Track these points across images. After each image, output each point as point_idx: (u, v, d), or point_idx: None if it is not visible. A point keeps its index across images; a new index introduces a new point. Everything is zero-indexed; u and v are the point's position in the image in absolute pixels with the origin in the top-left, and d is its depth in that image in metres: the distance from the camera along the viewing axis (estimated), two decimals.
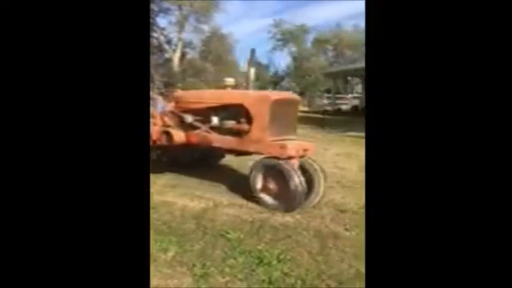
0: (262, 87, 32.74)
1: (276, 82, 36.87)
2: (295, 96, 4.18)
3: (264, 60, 40.49)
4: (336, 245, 2.69)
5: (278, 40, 36.78)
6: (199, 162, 5.16)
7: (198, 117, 4.25)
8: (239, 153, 4.12)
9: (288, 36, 35.53)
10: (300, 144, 3.59)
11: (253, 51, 4.96)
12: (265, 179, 3.56)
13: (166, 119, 4.60)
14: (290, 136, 3.78)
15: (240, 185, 4.08)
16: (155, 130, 4.47)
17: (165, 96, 4.95)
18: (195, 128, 4.29)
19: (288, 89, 31.07)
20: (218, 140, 4.02)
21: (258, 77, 39.79)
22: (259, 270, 2.24)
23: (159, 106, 4.69)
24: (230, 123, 3.98)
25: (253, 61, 4.61)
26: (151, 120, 4.45)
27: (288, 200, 3.32)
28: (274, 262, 2.35)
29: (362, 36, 32.26)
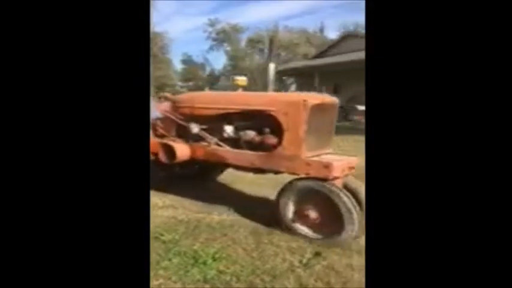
0: (198, 87, 32.41)
1: (212, 82, 36.72)
2: (335, 98, 3.13)
3: (199, 60, 40.14)
4: (270, 240, 2.75)
5: (214, 40, 36.71)
6: (194, 178, 4.40)
7: (204, 126, 3.43)
8: (259, 171, 3.25)
9: (222, 36, 35.55)
10: (347, 162, 2.85)
11: (272, 40, 4.26)
12: (300, 205, 2.83)
13: (160, 128, 3.81)
14: (327, 149, 3.10)
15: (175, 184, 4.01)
16: (151, 144, 3.58)
17: (158, 99, 4.11)
18: (198, 139, 3.47)
19: (225, 89, 31.06)
20: (234, 156, 3.20)
21: (193, 76, 39.36)
22: (194, 270, 2.23)
23: (151, 112, 3.89)
24: (250, 135, 3.16)
25: (272, 54, 3.81)
26: None
27: (339, 230, 2.63)
28: (210, 261, 2.35)
29: (295, 37, 33.26)
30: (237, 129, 3.28)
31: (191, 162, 3.57)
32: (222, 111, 3.31)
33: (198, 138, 3.46)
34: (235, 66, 34.55)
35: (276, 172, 3.08)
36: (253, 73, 30.70)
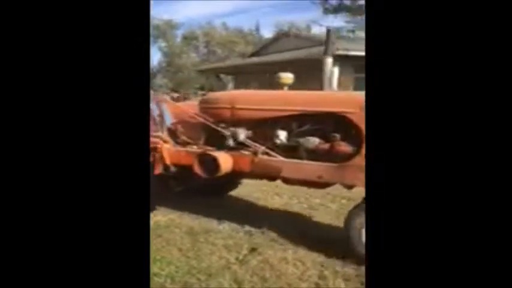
0: None
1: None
2: None
3: None
4: (206, 239, 2.74)
5: None
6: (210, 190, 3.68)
7: (247, 132, 2.87)
8: (320, 185, 2.78)
9: (156, 32, 34.58)
10: None
11: (329, 32, 3.33)
12: None
13: (182, 133, 3.16)
14: None
15: None
16: (174, 153, 2.96)
17: (175, 100, 3.49)
18: (235, 148, 2.85)
19: (161, 86, 30.27)
20: (292, 168, 2.63)
21: None
22: None
23: (166, 116, 3.21)
24: (313, 142, 2.62)
25: (329, 48, 3.20)
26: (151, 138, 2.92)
27: None
28: None
29: (231, 34, 33.31)
30: (293, 135, 2.71)
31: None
32: (274, 114, 2.74)
33: (235, 146, 2.84)
34: (170, 63, 33.79)
35: (350, 187, 2.67)
36: (190, 71, 30.28)
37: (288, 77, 3.22)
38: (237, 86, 19.34)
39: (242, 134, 2.80)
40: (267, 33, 39.00)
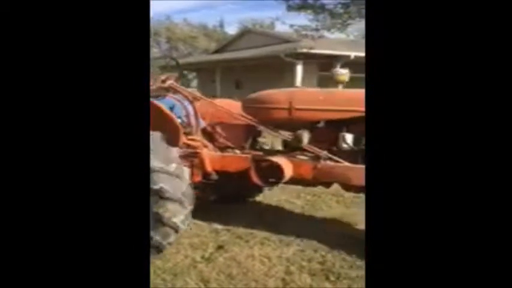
0: None
1: None
2: None
3: None
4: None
5: None
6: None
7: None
8: None
9: None
10: None
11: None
12: None
13: (221, 136, 2.87)
14: None
15: None
16: (217, 158, 2.66)
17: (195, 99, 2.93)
18: (285, 152, 2.63)
19: None
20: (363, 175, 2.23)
21: None
22: None
23: (197, 118, 2.83)
24: None
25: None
26: (182, 141, 2.65)
27: None
28: None
29: (195, 31, 32.90)
30: (358, 139, 2.52)
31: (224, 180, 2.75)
32: (339, 115, 2.51)
33: (284, 150, 2.62)
34: None
35: None
36: (153, 66, 29.59)
37: (344, 73, 2.90)
38: (201, 83, 19.15)
39: (306, 137, 2.53)
40: (231, 30, 38.91)
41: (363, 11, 10.05)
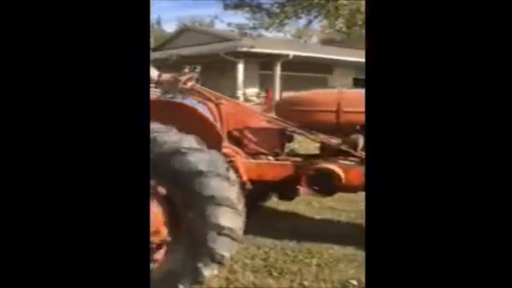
0: None
1: None
2: None
3: None
4: None
5: None
6: None
7: (347, 139, 2.41)
8: None
9: None
10: None
11: None
12: None
13: (252, 142, 2.54)
14: None
15: None
16: (253, 167, 2.40)
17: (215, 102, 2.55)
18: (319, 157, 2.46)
19: None
20: None
21: None
22: None
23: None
24: None
25: None
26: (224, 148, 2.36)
27: None
28: None
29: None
30: None
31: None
32: None
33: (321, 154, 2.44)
34: None
35: None
36: None
37: None
38: None
39: (362, 141, 2.33)
40: (169, 28, 38.10)
41: (299, 11, 10.27)
